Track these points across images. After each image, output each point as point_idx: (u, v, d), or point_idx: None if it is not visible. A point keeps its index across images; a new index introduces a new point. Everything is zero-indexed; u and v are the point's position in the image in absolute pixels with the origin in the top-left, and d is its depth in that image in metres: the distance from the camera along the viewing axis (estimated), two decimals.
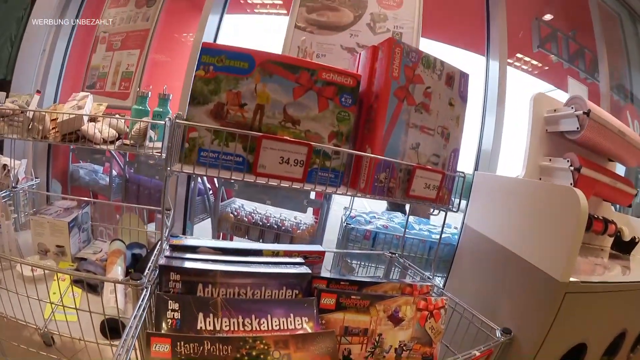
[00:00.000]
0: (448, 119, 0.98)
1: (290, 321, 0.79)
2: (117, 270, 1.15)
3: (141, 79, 1.90)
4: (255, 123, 0.83)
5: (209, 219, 2.03)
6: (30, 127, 1.28)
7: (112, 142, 1.29)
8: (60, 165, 2.28)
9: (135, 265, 1.28)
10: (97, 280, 1.05)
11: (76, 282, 1.00)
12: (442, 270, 1.59)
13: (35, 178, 1.78)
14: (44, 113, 1.29)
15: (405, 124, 0.90)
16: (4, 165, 1.55)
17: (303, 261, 0.94)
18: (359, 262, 1.68)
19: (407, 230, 1.49)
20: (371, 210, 2.09)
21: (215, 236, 1.92)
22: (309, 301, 0.83)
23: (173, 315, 0.71)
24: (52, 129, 1.29)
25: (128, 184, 2.06)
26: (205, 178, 2.03)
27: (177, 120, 0.76)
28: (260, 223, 1.83)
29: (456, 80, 0.99)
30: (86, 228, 1.45)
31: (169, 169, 0.75)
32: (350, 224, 1.70)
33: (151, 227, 1.60)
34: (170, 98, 1.52)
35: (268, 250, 0.97)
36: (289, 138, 0.80)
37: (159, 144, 1.30)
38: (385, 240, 1.69)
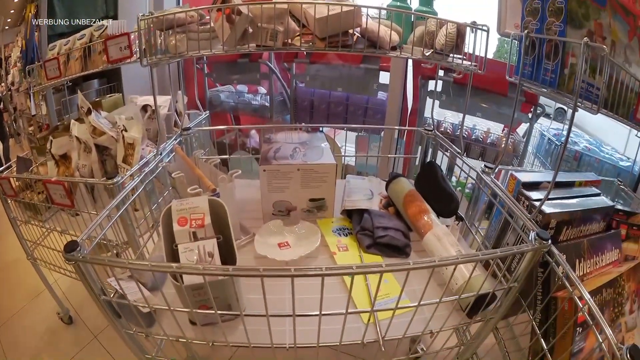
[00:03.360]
0: None
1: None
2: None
3: None
4: None
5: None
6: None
7: (394, 48, 0.91)
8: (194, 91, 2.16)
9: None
10: None
11: None
12: None
13: (201, 110, 1.48)
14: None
15: None
16: (145, 106, 1.38)
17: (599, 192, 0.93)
18: None
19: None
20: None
21: None
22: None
23: None
24: (297, 35, 0.86)
25: (298, 100, 1.98)
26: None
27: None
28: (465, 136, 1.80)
29: None
30: None
31: None
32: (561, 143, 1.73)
33: None
34: None
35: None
36: None
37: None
38: (589, 163, 1.73)
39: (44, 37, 2.33)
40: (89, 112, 1.23)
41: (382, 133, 1.94)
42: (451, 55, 0.91)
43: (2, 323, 1.92)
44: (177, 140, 1.16)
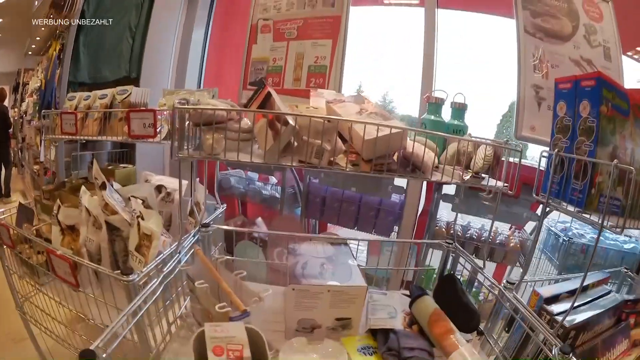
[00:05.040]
0: None
1: None
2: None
3: (341, 75, 1.64)
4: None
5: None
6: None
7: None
8: (206, 171, 2.19)
9: None
10: None
11: None
12: None
13: (219, 203, 1.43)
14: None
15: None
16: (159, 187, 1.33)
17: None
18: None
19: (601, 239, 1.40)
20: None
21: None
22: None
23: None
24: (353, 154, 0.84)
25: (310, 196, 1.97)
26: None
27: None
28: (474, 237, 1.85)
29: None
30: None
31: None
32: (571, 239, 1.81)
33: None
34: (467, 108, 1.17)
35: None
36: None
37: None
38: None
39: (64, 82, 2.32)
40: (103, 186, 1.18)
41: (394, 235, 1.95)
42: (487, 177, 0.94)
43: None
44: (195, 237, 1.11)
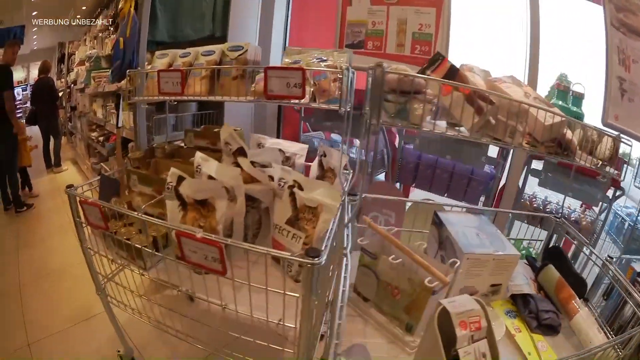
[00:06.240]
0: None
1: None
2: None
3: (447, 46, 1.66)
4: None
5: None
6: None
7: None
8: (290, 133, 2.08)
9: None
10: None
11: None
12: None
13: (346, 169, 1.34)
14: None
15: None
16: (288, 158, 1.25)
17: None
18: None
19: None
20: None
21: None
22: None
23: None
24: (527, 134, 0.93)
25: (402, 162, 2.02)
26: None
27: None
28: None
29: None
30: None
31: None
32: (637, 223, 1.85)
33: None
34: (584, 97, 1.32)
35: None
36: None
37: None
38: None
39: (142, 41, 2.16)
40: (241, 152, 1.01)
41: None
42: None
43: (37, 340, 1.75)
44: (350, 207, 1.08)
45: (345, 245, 0.94)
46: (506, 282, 1.08)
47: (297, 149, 1.40)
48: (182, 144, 1.79)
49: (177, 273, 1.01)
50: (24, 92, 12.45)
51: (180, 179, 1.05)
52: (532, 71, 1.71)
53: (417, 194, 2.23)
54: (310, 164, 1.45)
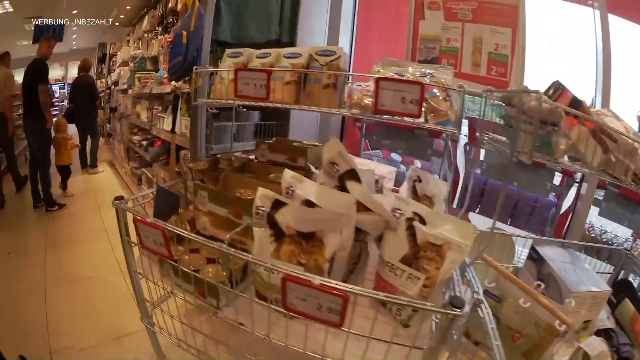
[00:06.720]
0: None
1: None
2: None
3: (523, 66, 1.57)
4: None
5: None
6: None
7: None
8: (350, 150, 1.93)
9: None
10: None
11: None
12: None
13: None
14: None
15: None
16: (377, 181, 1.10)
17: None
18: None
19: None
20: None
21: None
22: None
23: None
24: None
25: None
26: None
27: None
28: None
29: None
30: None
31: None
32: None
33: None
34: None
35: None
36: None
37: None
38: None
39: (207, 37, 1.98)
40: (351, 176, 0.81)
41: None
42: None
43: (59, 349, 1.69)
44: None
45: (476, 289, 0.87)
46: (596, 318, 1.05)
47: (385, 172, 1.23)
48: (251, 157, 1.61)
49: (252, 312, 0.84)
50: (62, 91, 12.83)
51: (278, 204, 0.85)
52: (604, 99, 1.63)
53: (473, 220, 2.09)
54: (397, 188, 1.25)
